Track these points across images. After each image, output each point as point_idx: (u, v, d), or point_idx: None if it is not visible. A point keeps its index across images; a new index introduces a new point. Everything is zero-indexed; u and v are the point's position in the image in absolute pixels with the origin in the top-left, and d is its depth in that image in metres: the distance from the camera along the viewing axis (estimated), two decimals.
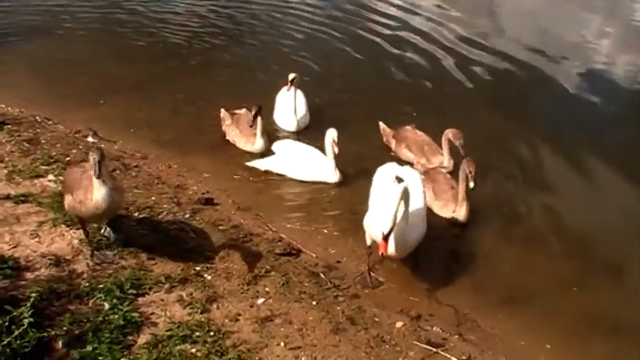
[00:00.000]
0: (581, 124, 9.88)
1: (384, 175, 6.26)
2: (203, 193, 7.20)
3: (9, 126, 8.20)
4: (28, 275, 5.29)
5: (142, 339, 4.82)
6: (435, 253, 6.67)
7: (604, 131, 9.62)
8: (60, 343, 4.55)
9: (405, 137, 8.54)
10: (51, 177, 6.91)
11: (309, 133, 8.80)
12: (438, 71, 11.48)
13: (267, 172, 7.92)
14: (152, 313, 5.12)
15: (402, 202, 5.46)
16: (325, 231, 6.86)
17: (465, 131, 7.92)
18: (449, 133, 7.93)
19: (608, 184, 8.31)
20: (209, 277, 5.74)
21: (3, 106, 8.91)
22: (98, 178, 5.05)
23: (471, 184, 6.82)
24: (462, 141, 7.78)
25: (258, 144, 8.28)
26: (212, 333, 5.00)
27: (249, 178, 7.86)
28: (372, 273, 6.17)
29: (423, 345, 5.31)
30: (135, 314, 4.98)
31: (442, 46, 12.52)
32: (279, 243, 6.46)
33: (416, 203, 5.86)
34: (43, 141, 7.91)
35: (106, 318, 4.90)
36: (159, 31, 12.41)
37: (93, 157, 5.01)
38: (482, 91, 10.92)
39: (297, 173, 7.81)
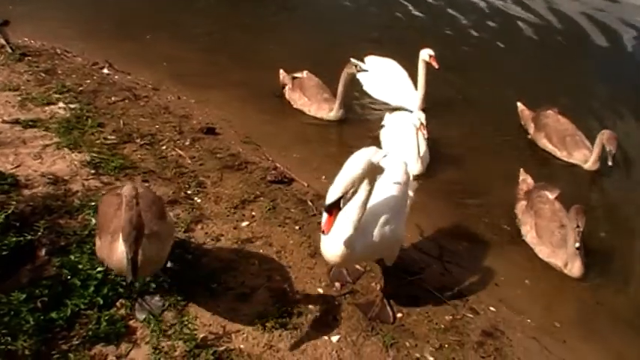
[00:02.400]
0: None
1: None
2: (207, 123, 7.36)
3: (29, 57, 8.50)
4: (26, 192, 5.54)
5: None
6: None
7: None
8: (43, 251, 4.82)
9: (545, 124, 7.63)
10: (61, 104, 7.18)
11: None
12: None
13: (274, 106, 8.09)
14: None
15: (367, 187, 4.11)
16: (321, 163, 6.95)
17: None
18: (604, 135, 6.99)
19: None
20: (199, 200, 5.94)
21: (26, 39, 9.20)
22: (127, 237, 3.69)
23: (577, 244, 5.53)
24: (613, 148, 6.88)
25: (337, 113, 7.91)
26: (190, 251, 5.22)
27: (257, 112, 8.00)
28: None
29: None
30: None
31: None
32: (274, 171, 6.59)
33: (389, 203, 4.54)
34: (59, 71, 8.19)
35: (92, 232, 5.12)
36: None
37: (125, 195, 3.81)
38: None
39: (390, 149, 7.14)
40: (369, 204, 4.24)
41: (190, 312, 4.60)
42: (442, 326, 4.93)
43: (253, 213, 5.89)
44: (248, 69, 8.84)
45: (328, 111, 7.91)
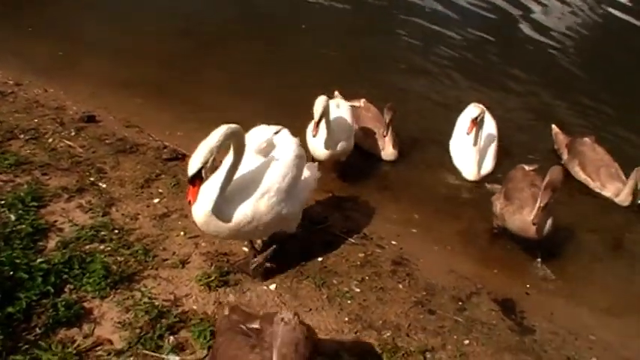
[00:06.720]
0: None
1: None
2: (84, 112, 7.44)
3: None
4: None
5: (52, 243, 5.17)
6: None
7: None
8: None
9: (580, 152, 7.28)
10: None
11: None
12: None
13: (145, 91, 8.25)
14: (56, 221, 5.45)
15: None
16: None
17: None
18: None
19: None
20: (104, 186, 6.12)
21: None
22: None
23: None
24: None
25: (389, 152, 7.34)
26: (116, 231, 5.46)
27: (129, 97, 8.16)
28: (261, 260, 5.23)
29: None
30: (41, 222, 5.32)
31: None
32: (165, 150, 6.90)
33: (276, 171, 4.80)
34: None
35: (15, 228, 5.20)
36: None
37: None
38: None
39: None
40: (249, 177, 4.69)
41: (138, 286, 4.91)
42: (358, 263, 5.66)
43: (160, 190, 6.19)
44: (105, 58, 8.95)
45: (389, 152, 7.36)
